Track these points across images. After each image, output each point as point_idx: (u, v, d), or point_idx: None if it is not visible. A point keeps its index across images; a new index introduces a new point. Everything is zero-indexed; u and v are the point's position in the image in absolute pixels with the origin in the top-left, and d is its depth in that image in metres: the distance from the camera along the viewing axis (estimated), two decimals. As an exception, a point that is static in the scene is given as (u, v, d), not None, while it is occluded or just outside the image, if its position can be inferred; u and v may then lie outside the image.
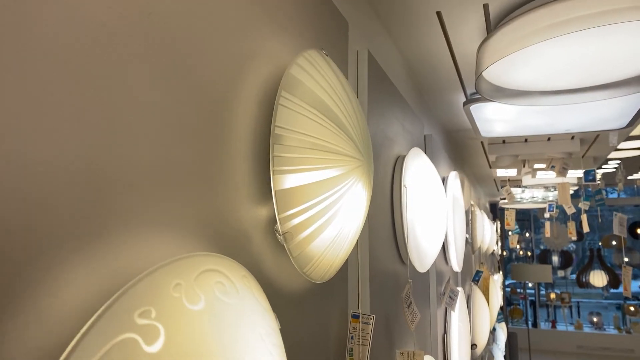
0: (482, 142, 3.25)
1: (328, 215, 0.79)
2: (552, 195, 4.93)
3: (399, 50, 1.84)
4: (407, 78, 2.04)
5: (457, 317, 2.46)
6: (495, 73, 1.68)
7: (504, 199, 5.22)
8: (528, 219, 11.74)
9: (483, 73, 1.63)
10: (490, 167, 3.85)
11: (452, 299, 2.35)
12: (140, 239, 0.50)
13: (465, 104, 2.30)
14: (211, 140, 0.64)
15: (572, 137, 3.01)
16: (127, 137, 0.49)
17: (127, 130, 0.50)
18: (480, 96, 2.04)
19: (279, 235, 0.72)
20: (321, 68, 0.83)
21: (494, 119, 2.56)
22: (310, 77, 0.79)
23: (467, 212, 3.24)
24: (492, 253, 5.87)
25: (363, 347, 1.03)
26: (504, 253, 9.32)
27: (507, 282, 10.33)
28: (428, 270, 2.04)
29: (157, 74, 0.54)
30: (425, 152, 2.34)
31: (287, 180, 0.72)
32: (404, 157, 1.62)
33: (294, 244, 0.74)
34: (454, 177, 2.55)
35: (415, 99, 2.26)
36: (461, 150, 3.52)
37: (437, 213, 1.80)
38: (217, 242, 0.64)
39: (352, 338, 1.03)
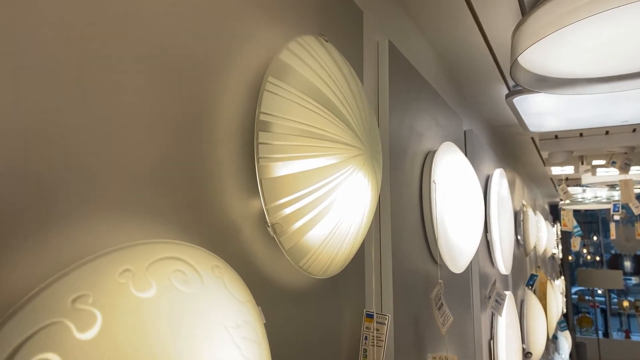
0: (532, 138, 3.06)
1: (323, 205, 0.74)
2: (617, 194, 4.57)
3: (427, 41, 1.76)
4: (440, 70, 1.95)
5: (505, 322, 2.31)
6: (534, 60, 1.57)
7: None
8: (596, 221, 11.00)
9: (521, 60, 1.53)
10: (544, 164, 3.62)
11: (499, 303, 2.21)
12: (102, 229, 0.48)
13: (507, 96, 2.17)
14: (192, 129, 0.63)
15: (634, 130, 2.76)
16: (84, 121, 0.48)
17: (84, 113, 0.48)
18: (522, 88, 1.92)
19: (268, 226, 0.69)
20: (317, 54, 0.79)
21: (542, 112, 2.40)
22: (303, 62, 0.75)
23: (518, 213, 3.06)
24: (552, 257, 5.52)
25: (378, 348, 0.97)
26: (569, 257, 8.76)
27: (574, 289, 9.71)
28: (468, 272, 1.93)
29: (128, 55, 0.53)
30: (465, 148, 2.23)
31: (275, 169, 0.69)
32: (434, 153, 1.54)
33: (285, 236, 0.71)
34: (499, 175, 2.41)
35: (453, 93, 2.16)
36: (510, 147, 3.33)
37: (474, 211, 1.70)
38: (199, 232, 0.62)
39: (365, 338, 0.98)
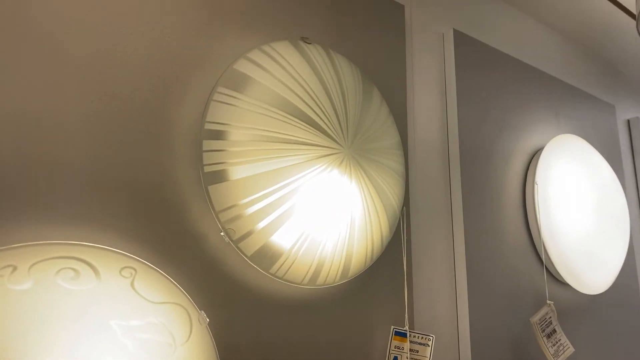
0: None
1: (286, 206, 0.71)
2: None
3: (532, 16, 1.50)
4: (567, 50, 1.62)
5: None
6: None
7: None
8: None
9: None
10: None
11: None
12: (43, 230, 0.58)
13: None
14: (147, 144, 0.68)
15: None
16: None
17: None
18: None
19: (221, 232, 0.70)
20: (285, 60, 0.77)
21: None
22: (264, 70, 0.75)
23: None
24: None
25: (414, 371, 0.85)
26: None
27: None
28: (612, 293, 1.50)
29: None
30: (631, 140, 1.79)
31: (227, 174, 0.69)
32: (540, 149, 1.28)
33: (244, 241, 0.70)
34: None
35: (596, 75, 1.76)
36: None
37: (612, 218, 1.34)
38: (149, 240, 0.67)
39: (395, 359, 0.86)
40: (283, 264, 0.73)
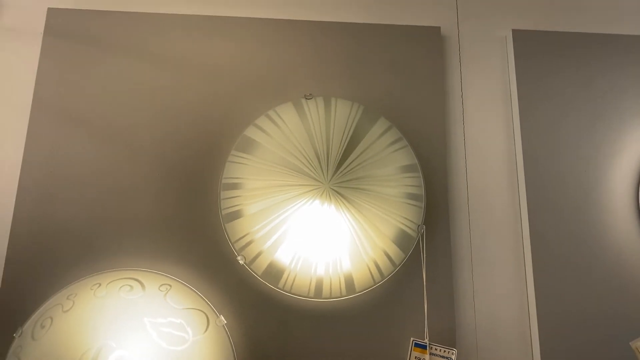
0: None
1: (281, 230, 0.90)
2: None
3: None
4: None
5: None
6: None
7: None
8: None
9: None
10: None
11: None
12: (127, 262, 0.93)
13: None
14: (188, 196, 0.98)
15: None
16: (131, 199, 0.96)
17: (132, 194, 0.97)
18: None
19: (237, 256, 0.92)
20: (282, 121, 0.97)
21: None
22: (265, 134, 0.96)
23: None
24: None
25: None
26: None
27: None
28: None
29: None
30: None
31: (236, 214, 0.93)
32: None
33: (254, 263, 0.91)
34: None
35: None
36: None
37: None
38: (192, 266, 0.95)
39: (415, 370, 0.89)
40: (287, 279, 0.90)
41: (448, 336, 0.94)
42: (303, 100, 1.00)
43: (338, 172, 0.92)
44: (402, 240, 0.93)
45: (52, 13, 1.07)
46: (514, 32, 1.13)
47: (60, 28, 1.06)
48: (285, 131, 0.96)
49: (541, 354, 0.94)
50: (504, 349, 0.98)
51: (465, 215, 1.04)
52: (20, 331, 0.85)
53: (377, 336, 0.94)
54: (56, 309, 0.84)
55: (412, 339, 0.92)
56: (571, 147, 1.07)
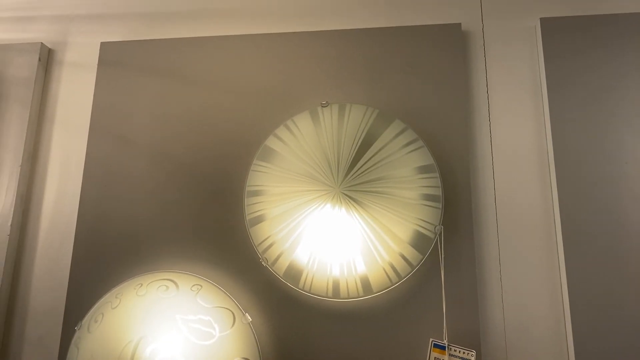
0: None
1: (297, 232, 0.95)
2: None
3: None
4: None
5: None
6: None
7: None
8: None
9: None
10: None
11: None
12: (167, 263, 1.04)
13: None
14: (216, 201, 1.06)
15: None
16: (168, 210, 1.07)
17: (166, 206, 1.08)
18: None
19: (261, 259, 0.98)
20: (299, 130, 1.02)
21: None
22: (283, 143, 1.02)
23: None
24: None
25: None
26: None
27: None
28: None
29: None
30: None
31: (259, 218, 0.99)
32: None
33: (276, 265, 0.97)
34: None
35: None
36: None
37: None
38: (223, 268, 1.03)
39: (434, 370, 0.89)
40: (306, 279, 0.95)
41: (472, 337, 0.93)
42: (319, 109, 1.04)
43: (348, 176, 0.95)
44: (418, 241, 0.94)
45: (104, 47, 1.22)
46: (543, 20, 1.08)
47: (111, 59, 1.20)
48: (300, 139, 1.01)
49: (575, 356, 0.90)
50: (536, 349, 0.94)
51: (490, 214, 1.01)
52: (79, 325, 0.99)
53: (398, 336, 0.95)
54: (106, 306, 0.97)
55: (431, 339, 0.92)
56: (609, 138, 1.00)
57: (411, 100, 1.07)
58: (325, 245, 0.94)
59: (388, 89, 1.08)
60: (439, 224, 0.95)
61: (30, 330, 1.10)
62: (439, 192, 0.96)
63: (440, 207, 0.96)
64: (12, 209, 1.13)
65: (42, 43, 1.24)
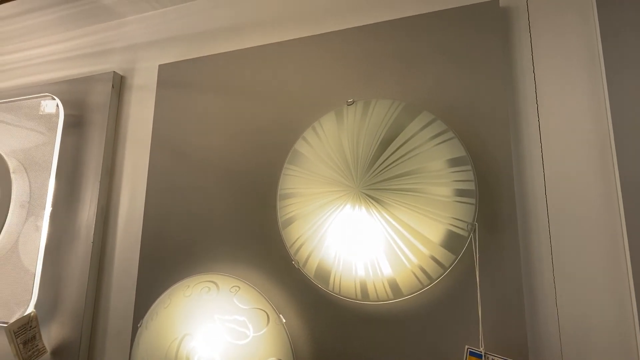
0: None
1: (321, 232, 0.94)
2: None
3: None
4: None
5: None
6: None
7: None
8: None
9: None
10: None
11: None
12: (213, 267, 1.11)
13: None
14: (252, 205, 1.10)
15: None
16: (216, 216, 1.15)
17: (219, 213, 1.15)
18: None
19: (293, 261, 0.99)
20: (324, 132, 1.01)
21: None
22: (309, 146, 1.02)
23: None
24: None
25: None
26: None
27: None
28: None
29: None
30: None
31: (291, 220, 1.00)
32: None
33: (307, 266, 0.97)
34: None
35: None
36: None
37: None
38: (263, 270, 1.06)
39: (469, 380, 0.81)
40: (334, 280, 0.94)
41: (519, 348, 0.84)
42: (345, 107, 1.02)
43: (368, 175, 0.92)
44: (451, 241, 0.87)
45: (161, 68, 1.33)
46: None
47: (167, 79, 1.32)
48: (323, 140, 1.00)
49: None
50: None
51: (539, 208, 0.90)
52: (141, 322, 1.09)
53: (432, 341, 0.90)
54: (160, 306, 1.06)
55: (466, 347, 0.85)
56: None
57: (446, 91, 1.00)
58: (348, 246, 0.92)
59: (418, 79, 1.02)
60: (474, 221, 0.87)
61: (112, 327, 1.24)
62: (472, 186, 0.88)
63: (475, 202, 0.88)
64: (95, 220, 1.30)
65: (114, 72, 1.40)
